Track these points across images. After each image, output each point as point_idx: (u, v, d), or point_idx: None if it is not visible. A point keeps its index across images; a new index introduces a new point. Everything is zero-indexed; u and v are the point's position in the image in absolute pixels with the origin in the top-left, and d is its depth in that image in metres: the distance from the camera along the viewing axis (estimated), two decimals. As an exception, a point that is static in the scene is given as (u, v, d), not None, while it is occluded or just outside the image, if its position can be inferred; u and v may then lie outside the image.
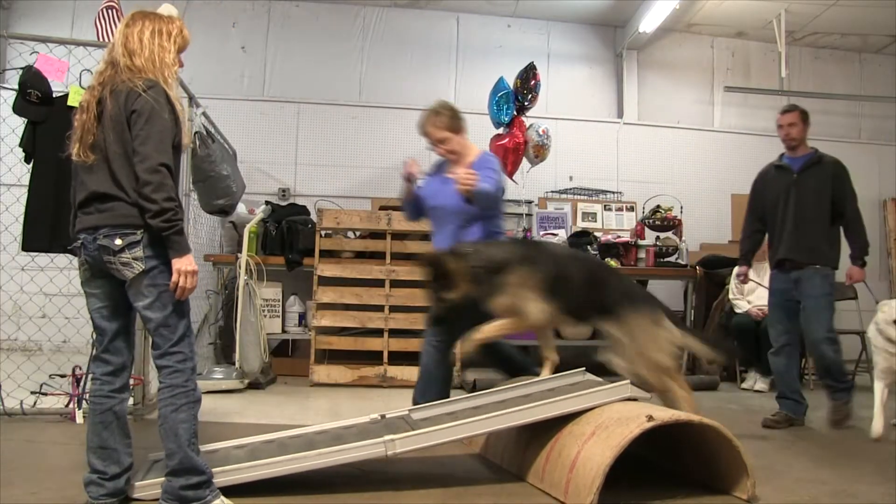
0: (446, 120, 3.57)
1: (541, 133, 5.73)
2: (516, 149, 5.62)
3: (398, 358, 5.13)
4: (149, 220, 2.17)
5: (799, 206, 4.04)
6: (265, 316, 5.24)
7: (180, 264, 2.21)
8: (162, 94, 2.24)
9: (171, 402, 2.23)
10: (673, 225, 5.96)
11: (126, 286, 2.24)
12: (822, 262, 3.97)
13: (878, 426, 3.54)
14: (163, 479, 2.30)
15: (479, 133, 6.19)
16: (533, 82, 5.59)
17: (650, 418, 2.40)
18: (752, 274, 5.47)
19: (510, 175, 5.75)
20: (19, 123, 3.71)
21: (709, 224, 6.97)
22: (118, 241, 2.19)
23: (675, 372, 3.08)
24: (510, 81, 5.64)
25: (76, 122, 2.28)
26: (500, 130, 5.72)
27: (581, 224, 6.53)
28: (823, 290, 3.94)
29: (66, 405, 3.66)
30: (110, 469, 2.26)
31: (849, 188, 4.08)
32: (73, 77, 3.75)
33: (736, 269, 4.51)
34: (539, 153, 5.75)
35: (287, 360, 5.57)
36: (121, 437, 2.30)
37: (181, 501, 2.23)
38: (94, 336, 2.37)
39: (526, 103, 5.63)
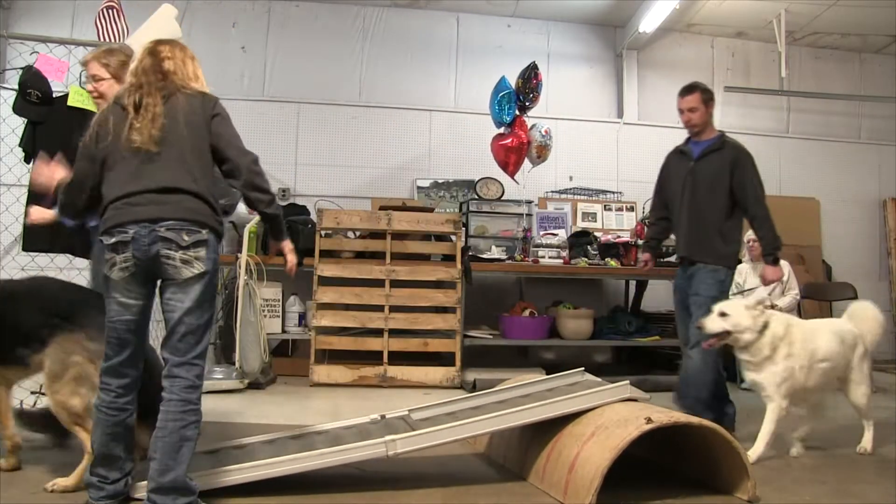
0: (116, 63, 3.04)
1: (543, 133, 5.73)
2: (519, 148, 5.62)
3: (398, 358, 5.13)
4: (264, 209, 2.32)
5: (693, 197, 3.70)
6: (265, 316, 5.24)
7: (290, 245, 2.45)
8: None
9: (181, 418, 2.15)
10: (673, 225, 5.95)
11: (167, 284, 2.18)
12: (713, 259, 3.62)
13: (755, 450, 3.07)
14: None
15: (481, 132, 6.22)
16: (535, 82, 5.59)
17: (649, 420, 2.41)
18: (749, 272, 5.48)
19: (512, 175, 5.75)
20: (19, 123, 3.71)
21: (709, 224, 6.96)
22: (186, 237, 2.15)
23: (83, 416, 2.48)
24: (511, 81, 5.64)
25: (136, 112, 2.22)
26: (502, 130, 5.72)
27: (581, 224, 6.54)
28: (708, 292, 3.53)
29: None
30: (112, 475, 2.25)
31: (750, 177, 3.64)
32: (73, 77, 3.75)
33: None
34: (541, 153, 5.75)
35: (287, 360, 5.57)
36: (126, 446, 2.28)
37: None
38: (108, 346, 2.25)
39: (528, 103, 5.63)
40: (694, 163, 3.74)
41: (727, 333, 3.19)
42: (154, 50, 2.38)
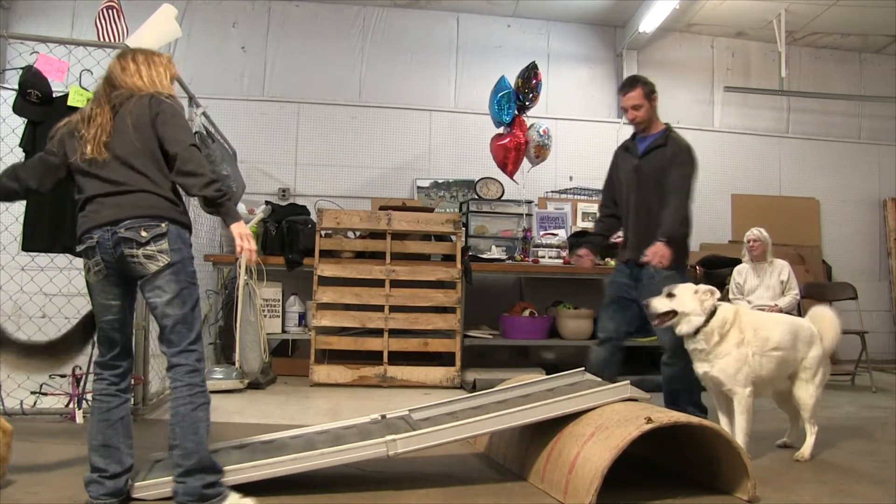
0: None
1: (542, 133, 5.73)
2: (517, 148, 5.62)
3: (398, 358, 5.13)
4: (198, 192, 2.24)
5: (639, 196, 3.54)
6: (265, 316, 5.23)
7: (239, 228, 2.33)
8: (178, 105, 2.38)
9: (190, 401, 2.22)
10: (673, 225, 5.95)
11: (142, 282, 2.24)
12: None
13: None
14: (166, 478, 2.29)
15: (480, 132, 6.22)
16: (534, 82, 5.59)
17: (649, 420, 2.40)
18: (749, 272, 5.49)
19: (511, 174, 5.75)
20: (19, 123, 3.71)
21: (709, 224, 6.97)
22: (144, 233, 2.20)
23: None
24: (511, 81, 5.64)
25: (86, 125, 2.31)
26: (501, 130, 5.72)
27: (581, 224, 6.54)
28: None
29: (66, 405, 3.66)
30: (111, 468, 2.26)
31: (680, 172, 3.44)
32: (73, 77, 3.75)
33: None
34: (540, 153, 5.75)
35: (287, 360, 5.57)
36: (123, 437, 2.31)
37: (202, 500, 2.22)
38: (99, 344, 2.36)
39: (527, 103, 5.63)
40: (638, 160, 3.60)
41: (674, 313, 3.08)
42: (107, 70, 2.46)
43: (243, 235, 2.33)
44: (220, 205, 2.29)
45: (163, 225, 2.23)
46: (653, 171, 3.51)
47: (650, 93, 3.55)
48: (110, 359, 2.34)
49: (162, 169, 2.29)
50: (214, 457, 2.58)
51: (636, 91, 3.53)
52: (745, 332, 3.07)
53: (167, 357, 2.27)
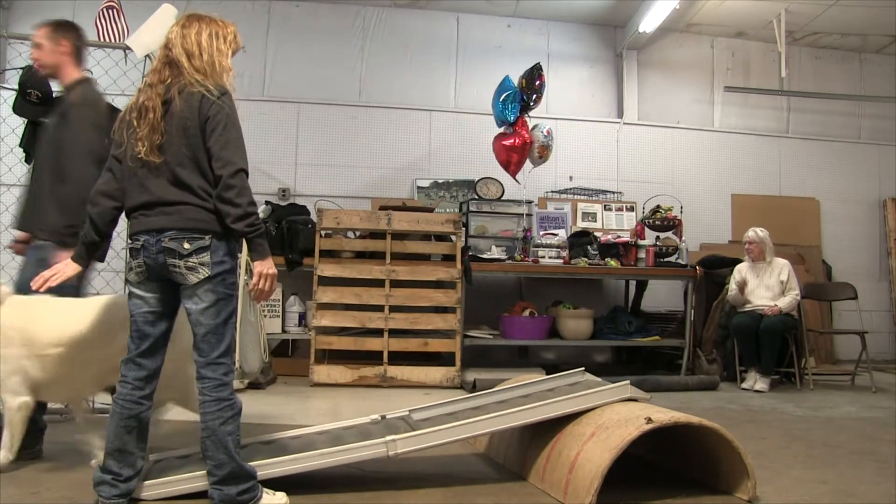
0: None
1: (546, 134, 5.74)
2: (522, 148, 5.62)
3: (398, 358, 5.13)
4: (231, 223, 2.20)
5: (38, 155, 3.06)
6: (265, 316, 5.24)
7: (262, 267, 2.27)
8: (232, 101, 2.29)
9: (218, 416, 2.22)
10: (673, 225, 5.97)
11: (182, 288, 2.23)
12: (46, 233, 2.84)
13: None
14: (166, 479, 2.31)
15: (480, 132, 6.23)
16: (538, 83, 5.58)
17: (649, 420, 2.41)
18: (750, 273, 5.49)
19: (513, 174, 5.75)
20: (19, 123, 3.72)
21: (709, 224, 6.99)
22: (186, 245, 2.19)
23: None
24: (514, 81, 5.64)
25: (139, 119, 2.23)
26: (503, 129, 5.72)
27: (581, 224, 6.55)
28: (24, 275, 2.73)
29: (66, 405, 3.66)
30: (125, 472, 2.26)
31: (74, 135, 2.85)
32: (73, 77, 3.74)
33: None
34: (543, 154, 5.75)
35: (287, 360, 5.57)
36: (139, 442, 2.30)
37: None
38: (130, 340, 2.31)
39: (531, 103, 5.63)
40: (51, 116, 3.04)
41: None
42: (168, 37, 2.32)
43: (263, 275, 2.27)
44: (250, 241, 2.26)
45: (206, 238, 2.21)
46: (50, 129, 3.00)
47: (59, 36, 2.98)
48: (137, 355, 2.28)
49: (208, 178, 2.23)
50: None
51: (43, 29, 2.99)
52: (12, 332, 2.58)
53: (197, 367, 2.25)
